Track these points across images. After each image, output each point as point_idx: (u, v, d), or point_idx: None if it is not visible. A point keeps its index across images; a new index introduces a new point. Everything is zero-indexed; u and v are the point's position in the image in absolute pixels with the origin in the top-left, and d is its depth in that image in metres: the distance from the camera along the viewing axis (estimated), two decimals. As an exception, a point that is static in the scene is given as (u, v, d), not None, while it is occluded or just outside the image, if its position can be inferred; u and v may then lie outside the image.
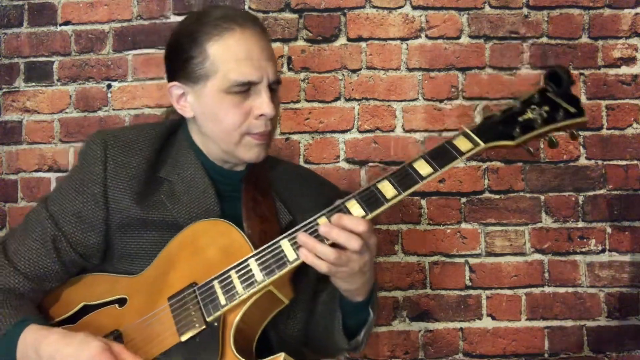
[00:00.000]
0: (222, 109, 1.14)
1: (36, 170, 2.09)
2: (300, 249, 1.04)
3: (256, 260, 1.08)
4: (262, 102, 1.14)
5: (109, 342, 1.00)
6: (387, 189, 1.06)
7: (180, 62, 1.16)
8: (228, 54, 1.13)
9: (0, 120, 2.11)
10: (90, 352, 0.97)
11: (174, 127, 1.28)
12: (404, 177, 1.07)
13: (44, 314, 1.15)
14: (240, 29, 1.14)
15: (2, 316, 1.05)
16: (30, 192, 2.08)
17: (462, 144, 1.07)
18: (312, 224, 1.07)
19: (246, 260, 1.09)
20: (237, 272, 1.08)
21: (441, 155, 1.07)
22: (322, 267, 1.02)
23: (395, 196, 1.05)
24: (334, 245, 1.02)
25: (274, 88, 1.18)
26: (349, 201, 1.07)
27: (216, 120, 1.16)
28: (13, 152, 2.10)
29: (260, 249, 1.09)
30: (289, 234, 1.08)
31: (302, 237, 1.04)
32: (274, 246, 1.08)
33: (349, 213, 1.05)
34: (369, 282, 1.10)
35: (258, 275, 1.06)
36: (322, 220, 1.06)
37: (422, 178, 1.06)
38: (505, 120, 1.09)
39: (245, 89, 1.13)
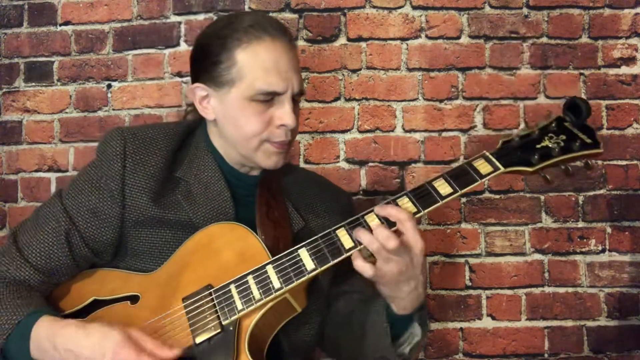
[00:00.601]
0: (244, 115, 1.15)
1: (36, 170, 2.09)
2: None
3: (274, 267, 1.09)
4: (284, 113, 1.15)
5: (127, 329, 1.01)
6: (407, 205, 1.08)
7: (207, 65, 1.17)
8: (256, 63, 1.13)
9: (0, 120, 2.11)
10: (114, 343, 0.97)
11: (192, 127, 1.29)
12: (425, 195, 1.09)
13: (54, 305, 1.16)
14: (271, 38, 1.15)
15: (15, 307, 1.05)
16: (30, 192, 2.08)
17: (483, 166, 1.10)
18: (331, 235, 1.09)
19: (264, 266, 1.09)
20: (254, 277, 1.09)
21: (461, 176, 1.09)
22: (367, 271, 1.03)
23: (415, 214, 1.07)
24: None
25: (296, 99, 1.19)
26: (369, 215, 1.08)
27: (237, 126, 1.17)
28: (13, 152, 2.10)
29: (279, 256, 1.10)
30: (307, 244, 1.09)
31: (360, 232, 1.05)
32: (292, 254, 1.09)
33: (368, 226, 1.06)
34: (414, 293, 1.08)
35: (276, 282, 1.07)
36: (341, 232, 1.08)
37: (442, 198, 1.08)
38: (524, 146, 1.12)
39: (269, 98, 1.14)
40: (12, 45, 2.11)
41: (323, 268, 1.07)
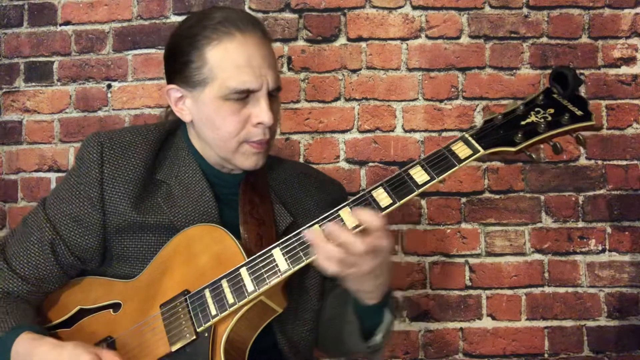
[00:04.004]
0: (219, 115, 1.12)
1: (36, 170, 2.09)
2: (312, 248, 1.01)
3: (248, 269, 1.06)
4: (260, 111, 1.12)
5: (100, 351, 0.99)
6: (382, 197, 1.02)
7: (179, 66, 1.15)
8: (227, 61, 1.10)
9: (0, 120, 2.11)
10: None
11: (173, 128, 1.27)
12: (400, 185, 1.02)
13: (42, 316, 1.15)
14: (241, 34, 1.11)
15: (0, 321, 1.04)
16: (30, 192, 2.08)
17: (461, 150, 1.02)
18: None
19: (237, 269, 1.07)
20: (228, 281, 1.06)
21: (439, 162, 1.02)
22: (330, 268, 0.98)
23: (390, 205, 1.01)
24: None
25: (273, 95, 1.16)
26: (343, 210, 1.03)
27: (214, 127, 1.14)
28: (13, 152, 2.10)
29: (253, 257, 1.07)
30: (281, 243, 1.06)
31: (310, 235, 1.00)
32: (266, 255, 1.06)
33: (342, 222, 1.02)
34: (382, 286, 1.06)
35: (249, 285, 1.04)
36: (316, 229, 1.03)
37: (419, 186, 1.01)
38: (507, 124, 1.03)
39: (243, 96, 1.11)
40: (12, 45, 2.11)
41: (296, 268, 1.03)
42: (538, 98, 1.04)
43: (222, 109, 1.12)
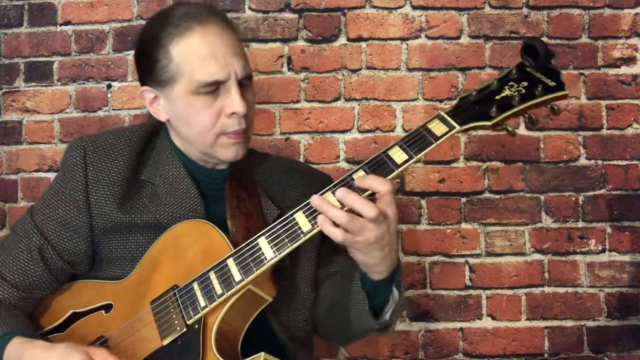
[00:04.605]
0: (192, 111, 1.13)
1: (36, 170, 2.09)
2: (318, 216, 1.00)
3: (234, 259, 1.06)
4: (232, 100, 1.12)
5: (91, 349, 1.00)
6: None
7: (148, 66, 1.16)
8: (191, 55, 1.11)
9: (0, 120, 2.11)
10: None
11: (156, 128, 1.28)
12: (380, 166, 1.03)
13: (35, 323, 1.16)
14: (201, 26, 1.12)
15: None
16: (30, 192, 2.08)
17: (437, 127, 1.04)
18: (288, 220, 1.05)
19: (224, 260, 1.07)
20: (216, 272, 1.07)
21: (417, 141, 1.03)
22: (337, 235, 0.98)
23: None
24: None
25: (245, 83, 1.15)
26: (325, 194, 1.03)
27: (189, 123, 1.15)
28: (13, 152, 2.10)
29: (239, 248, 1.07)
30: (266, 231, 1.06)
31: (316, 199, 1.00)
32: (252, 244, 1.06)
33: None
34: (389, 258, 1.05)
35: (236, 274, 1.05)
36: (299, 215, 1.04)
37: (398, 166, 1.02)
38: (482, 99, 1.05)
39: (213, 88, 1.11)
40: (12, 45, 2.10)
41: (282, 255, 1.03)
42: (511, 72, 1.06)
43: (195, 104, 1.12)
